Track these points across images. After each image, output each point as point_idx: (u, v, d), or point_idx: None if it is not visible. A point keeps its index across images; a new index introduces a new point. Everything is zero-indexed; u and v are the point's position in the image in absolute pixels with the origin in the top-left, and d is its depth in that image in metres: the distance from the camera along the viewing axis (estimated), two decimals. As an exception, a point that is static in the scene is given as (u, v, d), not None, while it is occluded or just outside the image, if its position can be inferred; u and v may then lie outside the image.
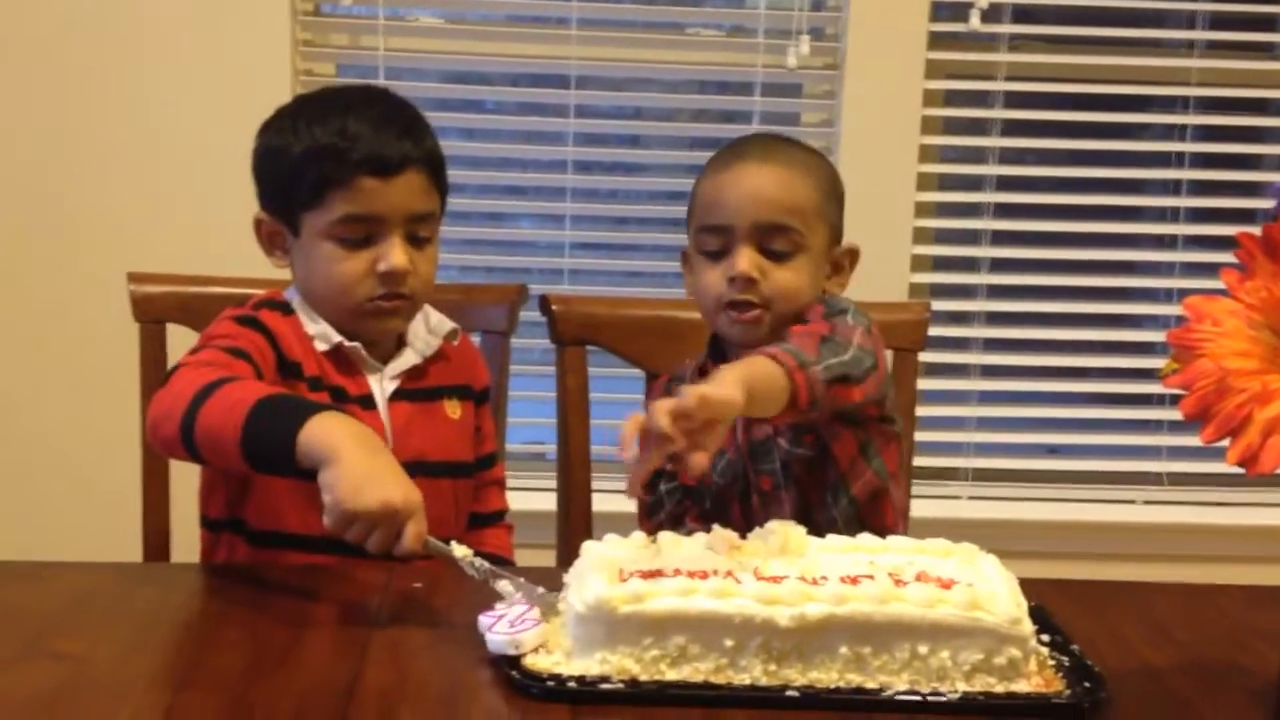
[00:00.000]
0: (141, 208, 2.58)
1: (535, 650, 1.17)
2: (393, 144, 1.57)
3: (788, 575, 1.17)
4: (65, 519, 2.58)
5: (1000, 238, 2.82)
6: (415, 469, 1.50)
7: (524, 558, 1.79)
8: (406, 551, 1.29)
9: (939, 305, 2.26)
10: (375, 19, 2.65)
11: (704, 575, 1.17)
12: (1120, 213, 2.87)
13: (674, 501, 1.70)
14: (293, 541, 1.55)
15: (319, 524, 1.31)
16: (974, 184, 2.81)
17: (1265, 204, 2.77)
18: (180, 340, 1.71)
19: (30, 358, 2.61)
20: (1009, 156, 2.80)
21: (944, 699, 1.13)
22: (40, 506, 2.61)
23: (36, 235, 2.59)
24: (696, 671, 1.14)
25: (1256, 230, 1.10)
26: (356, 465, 1.29)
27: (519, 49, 2.77)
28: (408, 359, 1.67)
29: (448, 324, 1.71)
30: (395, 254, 1.57)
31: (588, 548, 1.26)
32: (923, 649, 1.13)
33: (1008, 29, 2.73)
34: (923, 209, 2.76)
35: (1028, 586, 1.22)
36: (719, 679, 1.14)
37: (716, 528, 1.28)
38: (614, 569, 1.18)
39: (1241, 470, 1.04)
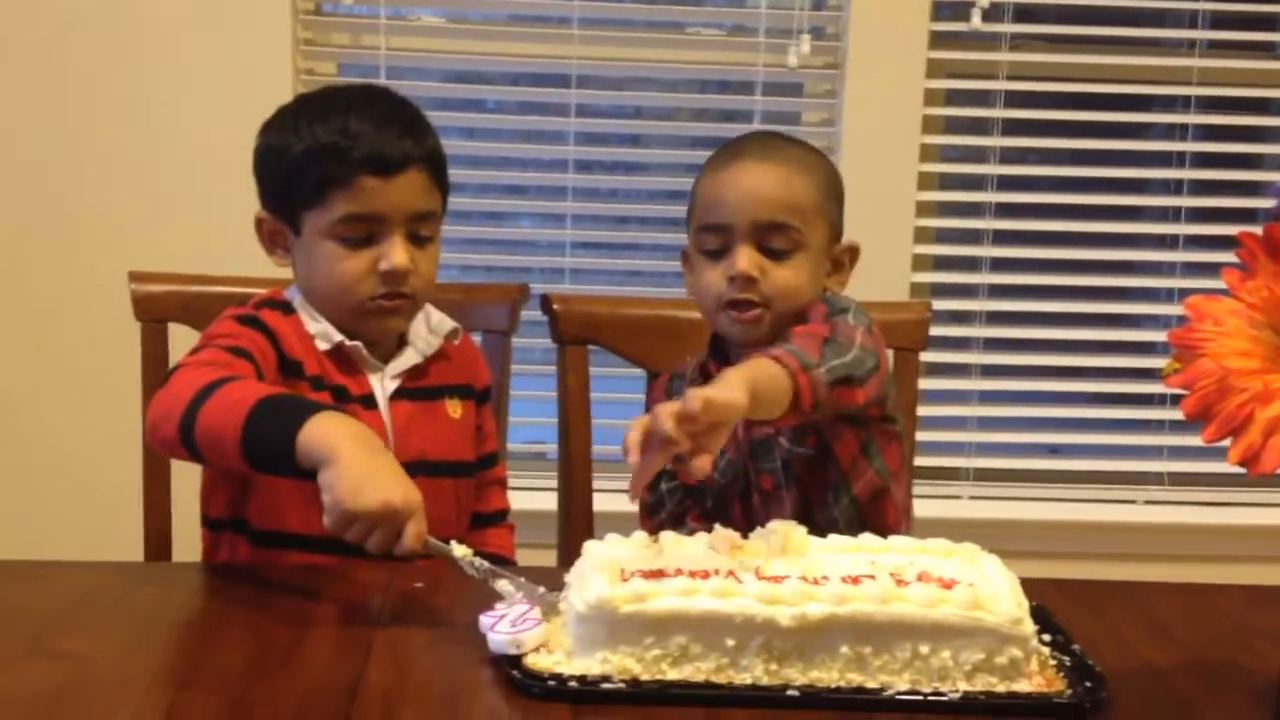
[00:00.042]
0: (143, 207, 2.59)
1: (536, 650, 1.17)
2: (394, 143, 1.57)
3: (789, 575, 1.17)
4: (66, 518, 2.58)
5: (1001, 237, 2.82)
6: (416, 468, 1.51)
7: (525, 557, 1.79)
8: (406, 551, 1.29)
9: (940, 305, 2.26)
10: (376, 18, 2.66)
11: (705, 575, 1.17)
12: (1121, 212, 2.87)
13: (675, 501, 1.70)
14: (294, 541, 1.55)
15: (320, 524, 1.31)
16: (975, 183, 2.81)
17: (1266, 203, 2.76)
18: (182, 339, 1.71)
19: (31, 357, 2.62)
20: (1010, 156, 2.80)
21: (945, 699, 1.13)
22: (41, 506, 2.61)
23: (38, 235, 2.59)
24: (698, 671, 1.14)
25: (1258, 230, 1.10)
26: (356, 465, 1.29)
27: (520, 48, 2.77)
28: (409, 358, 1.67)
29: (449, 323, 1.71)
30: (396, 253, 1.57)
31: (589, 547, 1.26)
32: (924, 649, 1.13)
33: (1009, 28, 2.73)
34: (924, 208, 2.76)
35: (1029, 586, 1.22)
36: (720, 678, 1.14)
37: (718, 527, 1.28)
38: (615, 569, 1.18)
39: (1242, 470, 1.04)
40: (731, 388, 1.29)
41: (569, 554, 1.79)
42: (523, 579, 1.29)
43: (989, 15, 2.67)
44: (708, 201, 1.63)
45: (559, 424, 1.92)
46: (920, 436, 2.56)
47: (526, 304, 1.98)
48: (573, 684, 1.12)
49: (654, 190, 2.85)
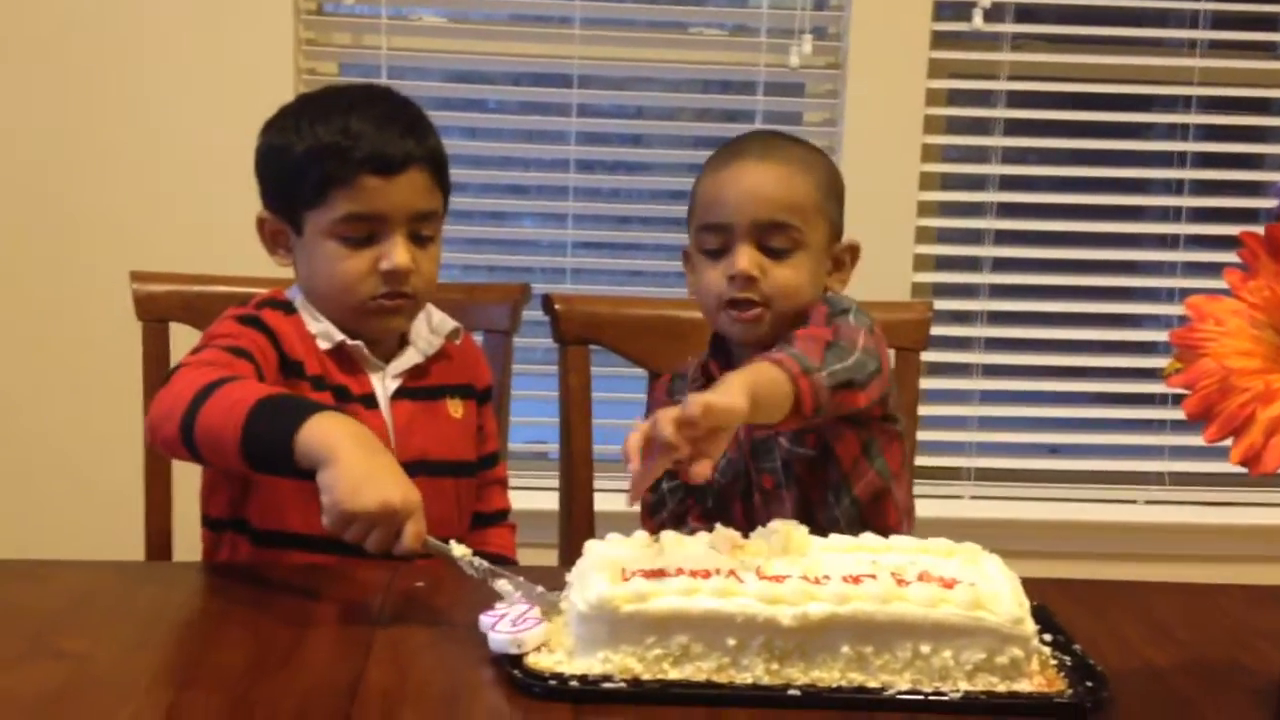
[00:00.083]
0: (144, 207, 2.59)
1: (537, 649, 1.17)
2: (395, 143, 1.57)
3: (790, 574, 1.17)
4: (67, 518, 2.58)
5: (1002, 237, 2.82)
6: (417, 468, 1.51)
7: (526, 557, 1.79)
8: (405, 551, 1.29)
9: (941, 304, 2.26)
10: (378, 18, 2.66)
11: (706, 574, 1.17)
12: (1123, 212, 2.87)
13: (676, 500, 1.70)
14: (294, 541, 1.55)
15: (320, 523, 1.31)
16: (976, 183, 2.81)
17: (1267, 203, 2.77)
18: (183, 339, 1.72)
19: (33, 357, 2.62)
20: (1011, 156, 2.80)
21: (946, 698, 1.13)
22: (42, 505, 2.61)
23: (39, 234, 2.59)
24: (699, 670, 1.14)
25: (1259, 229, 1.10)
26: (355, 465, 1.29)
27: (521, 48, 2.77)
28: (410, 358, 1.67)
29: (450, 323, 1.71)
30: (398, 252, 1.57)
31: (590, 547, 1.26)
32: (925, 648, 1.13)
33: (1010, 28, 2.73)
34: (925, 208, 2.76)
35: (1030, 586, 1.21)
36: (721, 678, 1.14)
37: (719, 527, 1.28)
38: (616, 568, 1.18)
39: (1244, 470, 1.04)
40: (732, 393, 1.29)
41: (570, 553, 1.79)
42: (521, 578, 1.29)
43: (990, 15, 2.67)
44: (708, 201, 1.63)
45: (560, 424, 1.92)
46: (921, 436, 2.56)
47: (528, 304, 1.98)
48: (574, 683, 1.12)
49: (656, 190, 2.85)
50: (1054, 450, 2.94)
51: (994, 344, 2.84)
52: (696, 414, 1.23)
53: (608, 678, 1.13)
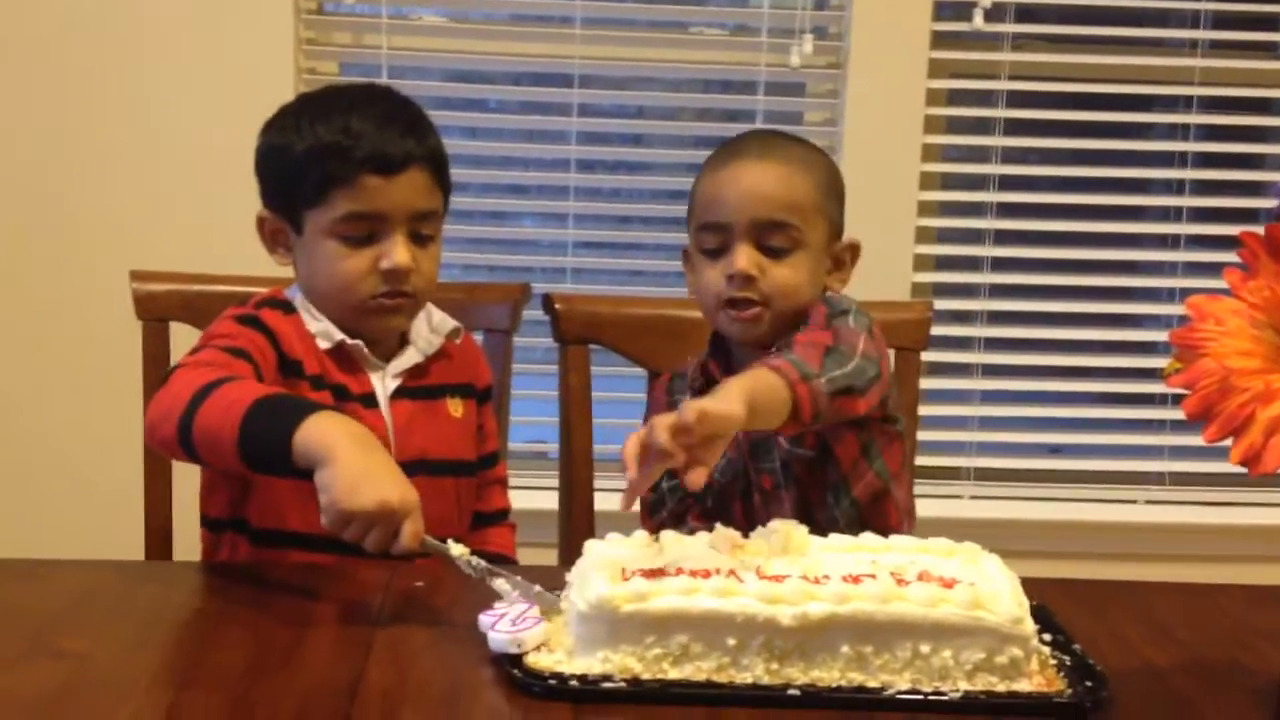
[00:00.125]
0: (144, 206, 2.59)
1: (537, 649, 1.17)
2: (396, 142, 1.57)
3: (790, 574, 1.17)
4: (67, 517, 2.58)
5: (1003, 237, 2.82)
6: (418, 467, 1.51)
7: (526, 556, 1.79)
8: (403, 550, 1.30)
9: (941, 304, 2.26)
10: (378, 17, 2.66)
11: (706, 574, 1.17)
12: (1123, 212, 2.87)
13: (675, 500, 1.70)
14: (294, 540, 1.55)
15: (320, 523, 1.31)
16: (977, 183, 2.81)
17: (1268, 203, 2.76)
18: (183, 338, 1.72)
19: (33, 356, 2.62)
20: (1012, 156, 2.80)
21: (946, 698, 1.13)
22: (42, 505, 2.61)
23: (39, 234, 2.59)
24: (699, 670, 1.14)
25: (1259, 229, 1.10)
26: (352, 465, 1.29)
27: (522, 48, 2.77)
28: (410, 357, 1.67)
29: (450, 322, 1.71)
30: (398, 252, 1.57)
31: (590, 546, 1.26)
32: (924, 648, 1.13)
33: (1011, 28, 2.73)
34: (925, 208, 2.76)
35: (1029, 586, 1.21)
36: (721, 678, 1.14)
37: (719, 526, 1.28)
38: (616, 568, 1.18)
39: (1244, 470, 1.04)
40: (728, 399, 1.29)
41: (570, 553, 1.79)
42: (519, 577, 1.29)
43: (991, 15, 2.67)
44: (707, 200, 1.63)
45: (560, 423, 1.92)
46: (921, 436, 2.56)
47: (528, 303, 1.98)
48: (574, 683, 1.12)
49: (656, 190, 2.85)
50: (1054, 450, 2.94)
51: (994, 344, 2.83)
52: (692, 421, 1.23)
53: (607, 677, 1.13)
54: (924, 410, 2.40)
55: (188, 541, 1.75)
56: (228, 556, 1.61)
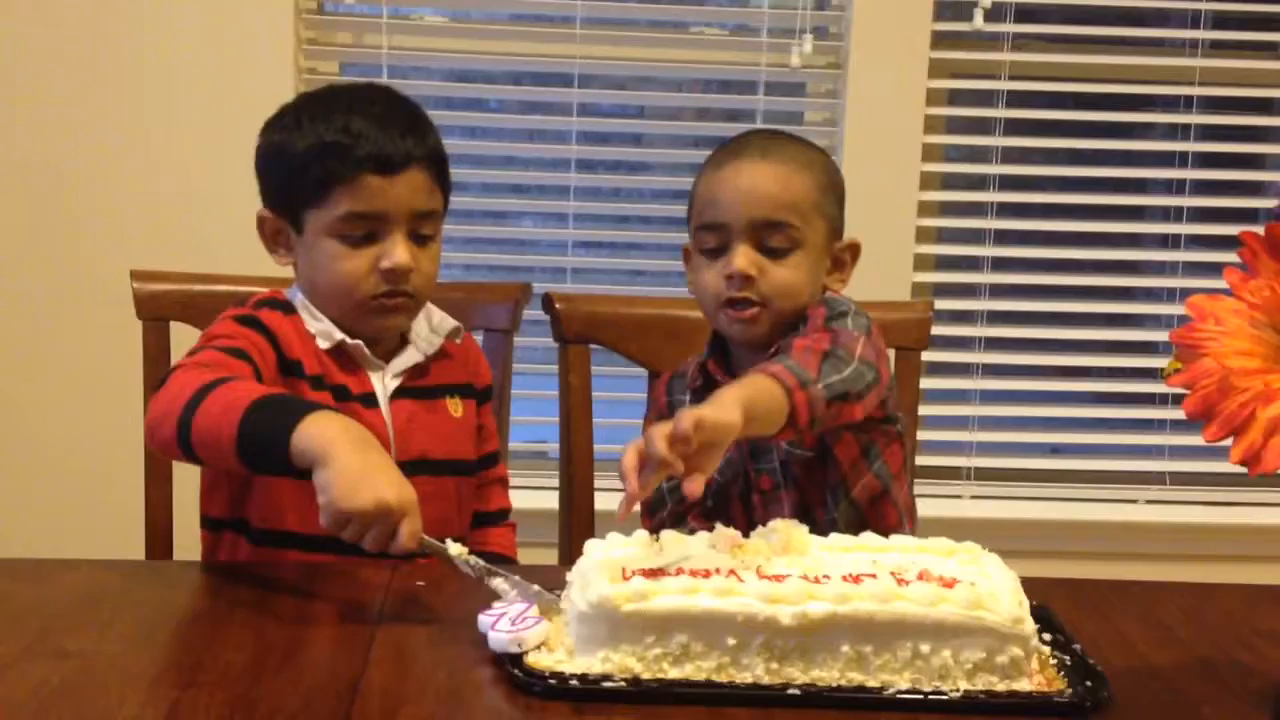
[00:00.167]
0: (144, 206, 2.59)
1: (537, 648, 1.17)
2: (396, 141, 1.57)
3: (790, 574, 1.17)
4: (67, 517, 2.58)
5: (1003, 237, 2.82)
6: (418, 467, 1.51)
7: (526, 556, 1.79)
8: (402, 550, 1.30)
9: (942, 304, 2.26)
10: (379, 17, 2.66)
11: (707, 574, 1.17)
12: (1123, 212, 2.87)
13: (675, 500, 1.70)
14: (294, 540, 1.55)
15: (319, 522, 1.31)
16: (977, 183, 2.81)
17: (1268, 203, 2.77)
18: (183, 338, 1.72)
19: (33, 355, 2.62)
20: (1012, 155, 2.80)
21: (945, 698, 1.13)
22: (42, 505, 2.61)
23: (40, 233, 2.59)
24: (699, 670, 1.14)
25: (1259, 229, 1.10)
26: (350, 465, 1.29)
27: (522, 47, 2.77)
28: (410, 357, 1.67)
29: (450, 322, 1.71)
30: (398, 251, 1.57)
31: (590, 546, 1.26)
32: (925, 648, 1.13)
33: (1011, 28, 2.73)
34: (926, 208, 2.76)
35: (1030, 585, 1.22)
36: (721, 677, 1.14)
37: (719, 526, 1.28)
38: (617, 567, 1.18)
39: (1243, 470, 1.05)
40: (725, 407, 1.29)
41: (570, 553, 1.79)
42: (518, 577, 1.29)
43: (991, 15, 2.67)
44: (706, 200, 1.63)
45: (560, 423, 1.92)
46: (922, 436, 2.57)
47: (528, 303, 1.98)
48: (574, 683, 1.12)
49: (656, 190, 2.85)
50: (1054, 450, 2.94)
51: (994, 344, 2.84)
52: (689, 429, 1.23)
53: (608, 677, 1.13)
54: (924, 410, 2.40)
55: (188, 541, 1.75)
56: (228, 556, 1.61)
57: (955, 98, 2.78)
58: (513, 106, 2.85)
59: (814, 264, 1.62)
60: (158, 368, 1.77)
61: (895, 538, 1.32)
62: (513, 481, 1.87)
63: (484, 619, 1.20)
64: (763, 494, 1.65)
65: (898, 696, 1.13)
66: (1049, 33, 2.79)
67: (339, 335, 1.61)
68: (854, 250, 1.67)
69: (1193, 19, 2.77)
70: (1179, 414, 1.14)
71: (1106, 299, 2.89)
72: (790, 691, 1.13)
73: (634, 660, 1.14)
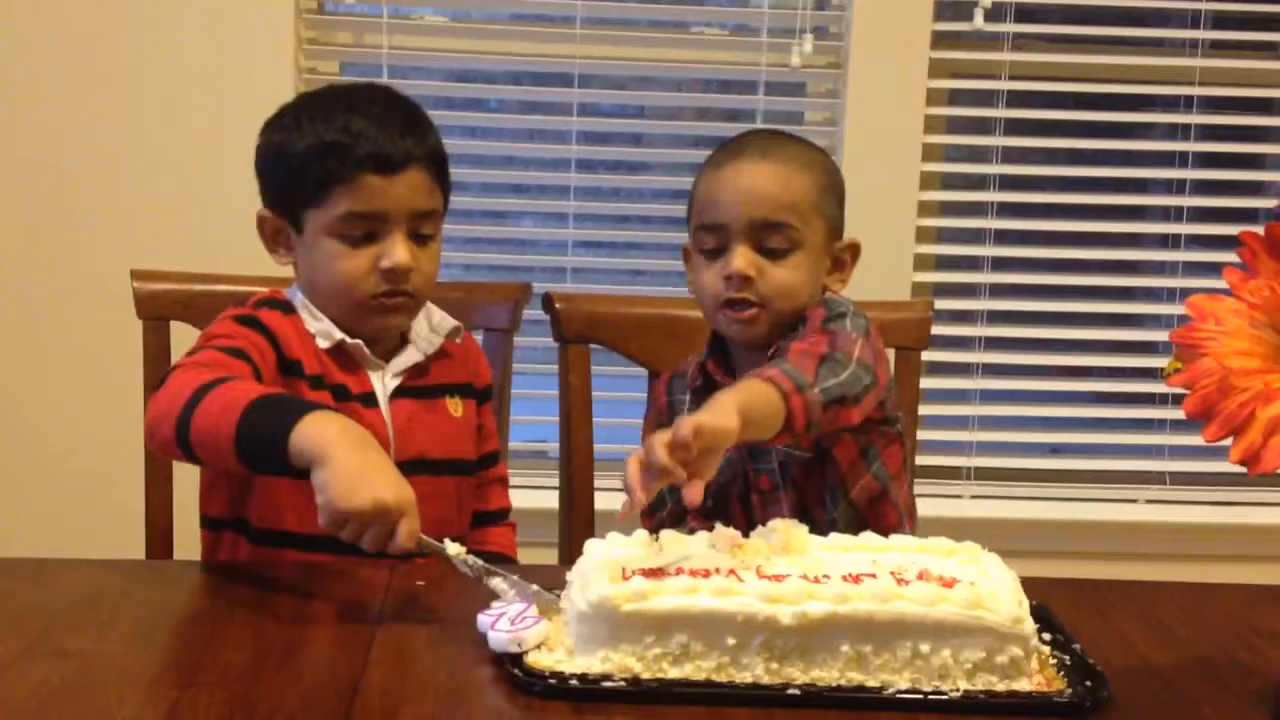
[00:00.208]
0: (145, 206, 2.59)
1: (537, 648, 1.17)
2: (396, 141, 1.57)
3: (790, 574, 1.17)
4: (67, 516, 2.58)
5: (1003, 237, 2.82)
6: (418, 466, 1.51)
7: (526, 555, 1.79)
8: (400, 549, 1.30)
9: (942, 304, 2.26)
10: (379, 17, 2.66)
11: (706, 573, 1.17)
12: (1123, 212, 2.87)
13: (675, 499, 1.70)
14: (293, 540, 1.56)
15: (317, 522, 1.31)
16: (977, 183, 2.81)
17: (1268, 203, 2.77)
18: (183, 338, 1.72)
19: (33, 355, 2.62)
20: (1012, 155, 2.80)
21: (945, 697, 1.13)
22: (42, 505, 2.61)
23: (40, 233, 2.59)
24: (699, 670, 1.14)
25: (1259, 229, 1.10)
26: (348, 465, 1.29)
27: (523, 47, 2.77)
28: (410, 356, 1.67)
29: (450, 322, 1.71)
30: (398, 251, 1.57)
31: (590, 546, 1.26)
32: (924, 647, 1.13)
33: (1011, 28, 2.73)
34: (926, 208, 2.76)
35: (1030, 585, 1.22)
36: (721, 677, 1.14)
37: (719, 526, 1.28)
38: (617, 567, 1.18)
39: (1243, 469, 1.05)
40: (723, 412, 1.29)
41: (570, 553, 1.79)
42: (516, 576, 1.29)
43: (991, 15, 2.67)
44: (706, 201, 1.63)
45: (560, 423, 1.92)
46: (922, 435, 2.57)
47: (529, 303, 1.98)
48: (574, 682, 1.12)
49: (656, 189, 2.85)
50: (1054, 449, 2.94)
51: (994, 344, 2.84)
52: (688, 436, 1.23)
53: (608, 677, 1.13)
54: (924, 410, 2.40)
55: (188, 541, 1.75)
56: (227, 556, 1.61)
57: (955, 98, 2.78)
58: (513, 106, 2.85)
59: (813, 264, 1.62)
60: (158, 368, 1.77)
61: (895, 537, 1.32)
62: (513, 481, 1.87)
63: (483, 619, 1.21)
64: (761, 494, 1.65)
65: (897, 696, 1.13)
66: (1049, 33, 2.79)
67: (339, 335, 1.61)
68: (854, 250, 1.67)
69: (1193, 19, 2.77)
70: (1179, 414, 1.14)
71: (1106, 299, 2.89)
72: (790, 691, 1.13)
73: (634, 660, 1.14)
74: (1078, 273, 2.84)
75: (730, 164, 1.62)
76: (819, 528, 1.33)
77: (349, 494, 1.28)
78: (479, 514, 1.76)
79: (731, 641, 1.13)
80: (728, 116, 2.87)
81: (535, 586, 1.27)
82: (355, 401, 1.60)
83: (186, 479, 1.72)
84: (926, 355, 1.95)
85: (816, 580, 1.17)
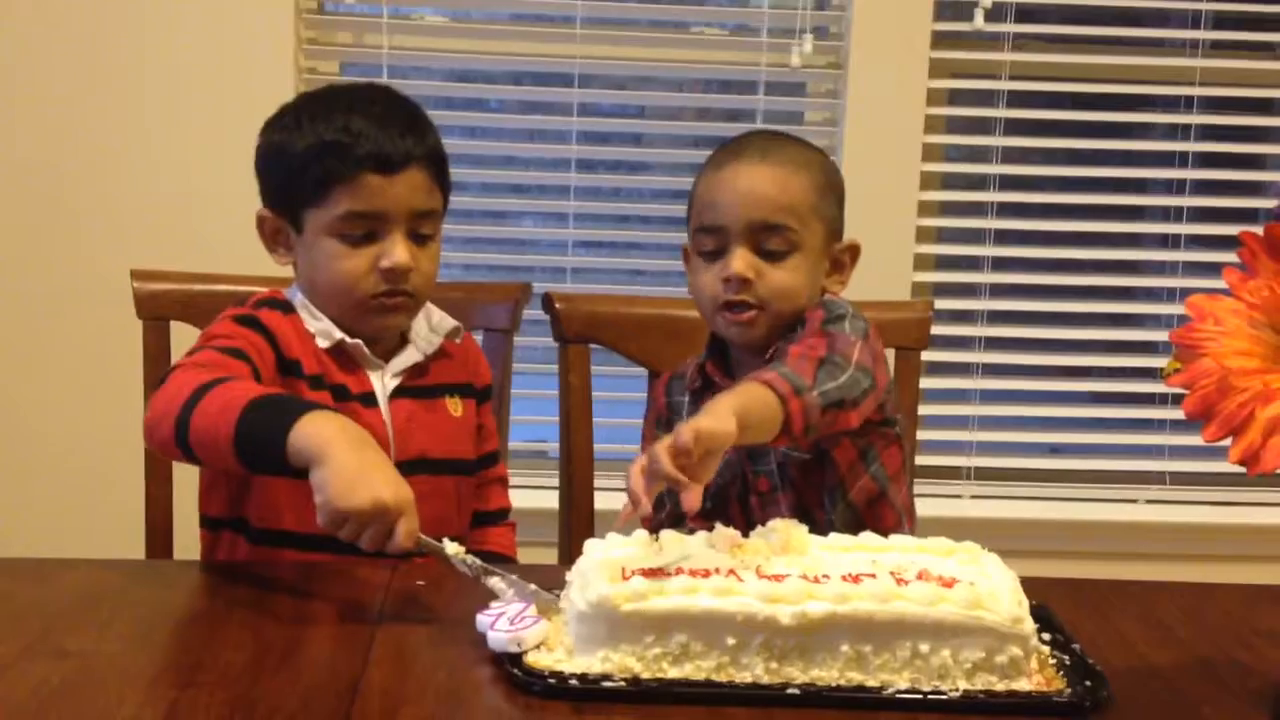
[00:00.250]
0: (145, 205, 2.59)
1: (536, 647, 1.17)
2: (396, 141, 1.57)
3: (790, 573, 1.18)
4: (67, 517, 2.58)
5: (1003, 237, 2.82)
6: (418, 466, 1.51)
7: (526, 555, 1.80)
8: (399, 549, 1.30)
9: (942, 304, 2.26)
10: (379, 17, 2.66)
11: (706, 573, 1.17)
12: (1123, 212, 2.87)
13: (674, 502, 1.70)
14: (293, 540, 1.56)
15: (316, 522, 1.31)
16: (977, 183, 2.81)
17: (1268, 203, 2.77)
18: (183, 338, 1.72)
19: (33, 355, 2.62)
20: (1012, 155, 2.80)
21: (945, 697, 1.13)
22: (42, 505, 2.61)
23: (40, 233, 2.59)
24: (698, 669, 1.14)
25: (1259, 229, 1.10)
26: (347, 464, 1.29)
27: (523, 47, 2.77)
28: (410, 356, 1.67)
29: (450, 322, 1.71)
30: (398, 250, 1.57)
31: (590, 546, 1.26)
32: (924, 647, 1.13)
33: (1011, 28, 2.73)
34: (926, 208, 2.76)
35: (1029, 585, 1.22)
36: (721, 677, 1.14)
37: (719, 526, 1.28)
38: (616, 567, 1.18)
39: (1243, 469, 1.05)
40: (721, 416, 1.29)
41: (570, 552, 1.79)
42: (514, 576, 1.29)
43: (991, 15, 2.67)
44: (705, 202, 1.63)
45: (560, 422, 1.92)
46: (921, 435, 2.56)
47: (528, 303, 1.98)
48: (573, 682, 1.12)
49: (656, 189, 2.85)
50: (1054, 449, 2.94)
51: (994, 344, 2.84)
52: (689, 441, 1.23)
53: (607, 676, 1.13)
54: (924, 410, 2.40)
55: (187, 541, 1.75)
56: (226, 556, 1.61)
57: (955, 98, 2.78)
58: (513, 106, 2.85)
59: (812, 266, 1.61)
60: (158, 367, 1.77)
61: (894, 537, 1.32)
62: (513, 481, 1.87)
63: (483, 618, 1.21)
64: (760, 495, 1.65)
65: (897, 696, 1.13)
66: (1049, 33, 2.79)
67: (338, 334, 1.61)
68: (853, 252, 1.67)
69: (1193, 19, 2.76)
70: (1179, 414, 1.14)
71: (1106, 299, 2.89)
72: (790, 691, 1.13)
73: (633, 660, 1.14)
74: (1077, 273, 2.84)
75: (729, 166, 1.62)
76: (818, 529, 1.33)
77: (347, 493, 1.28)
78: (479, 514, 1.76)
79: (731, 641, 1.13)
80: (728, 116, 2.87)
81: (533, 586, 1.27)
82: (355, 401, 1.60)
83: (186, 479, 1.72)
84: (926, 355, 1.95)
85: (816, 580, 1.17)
